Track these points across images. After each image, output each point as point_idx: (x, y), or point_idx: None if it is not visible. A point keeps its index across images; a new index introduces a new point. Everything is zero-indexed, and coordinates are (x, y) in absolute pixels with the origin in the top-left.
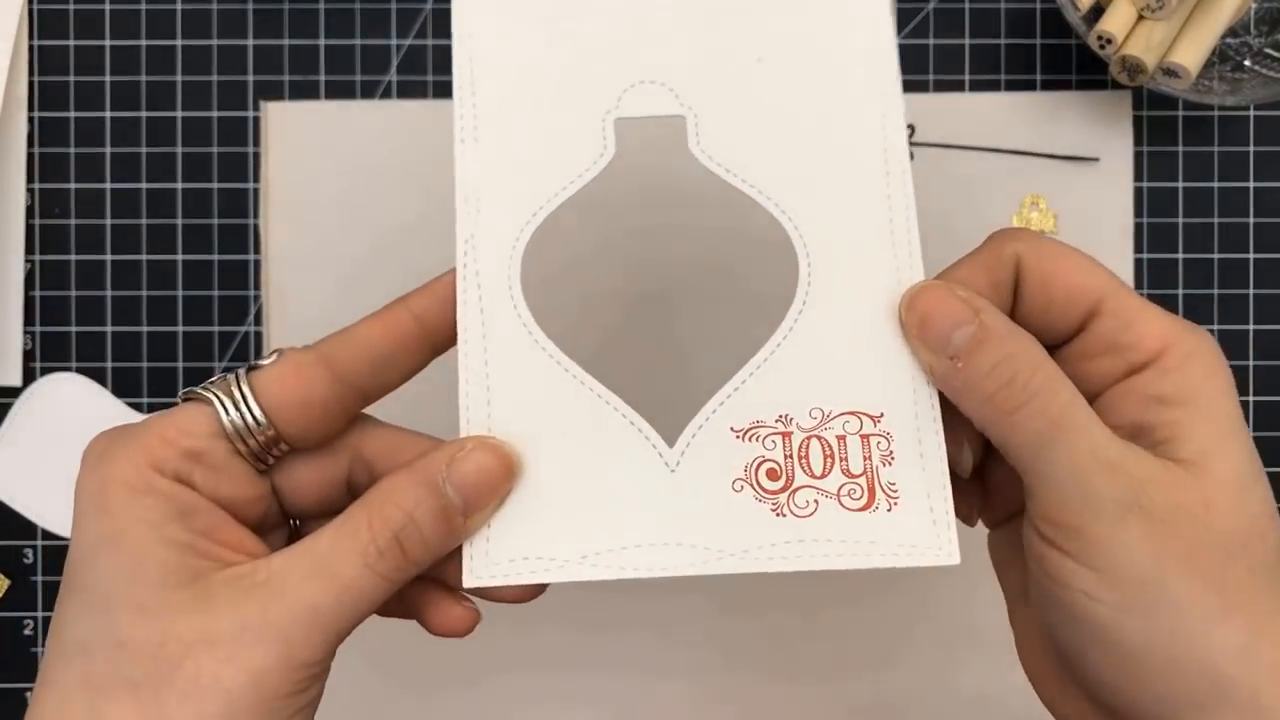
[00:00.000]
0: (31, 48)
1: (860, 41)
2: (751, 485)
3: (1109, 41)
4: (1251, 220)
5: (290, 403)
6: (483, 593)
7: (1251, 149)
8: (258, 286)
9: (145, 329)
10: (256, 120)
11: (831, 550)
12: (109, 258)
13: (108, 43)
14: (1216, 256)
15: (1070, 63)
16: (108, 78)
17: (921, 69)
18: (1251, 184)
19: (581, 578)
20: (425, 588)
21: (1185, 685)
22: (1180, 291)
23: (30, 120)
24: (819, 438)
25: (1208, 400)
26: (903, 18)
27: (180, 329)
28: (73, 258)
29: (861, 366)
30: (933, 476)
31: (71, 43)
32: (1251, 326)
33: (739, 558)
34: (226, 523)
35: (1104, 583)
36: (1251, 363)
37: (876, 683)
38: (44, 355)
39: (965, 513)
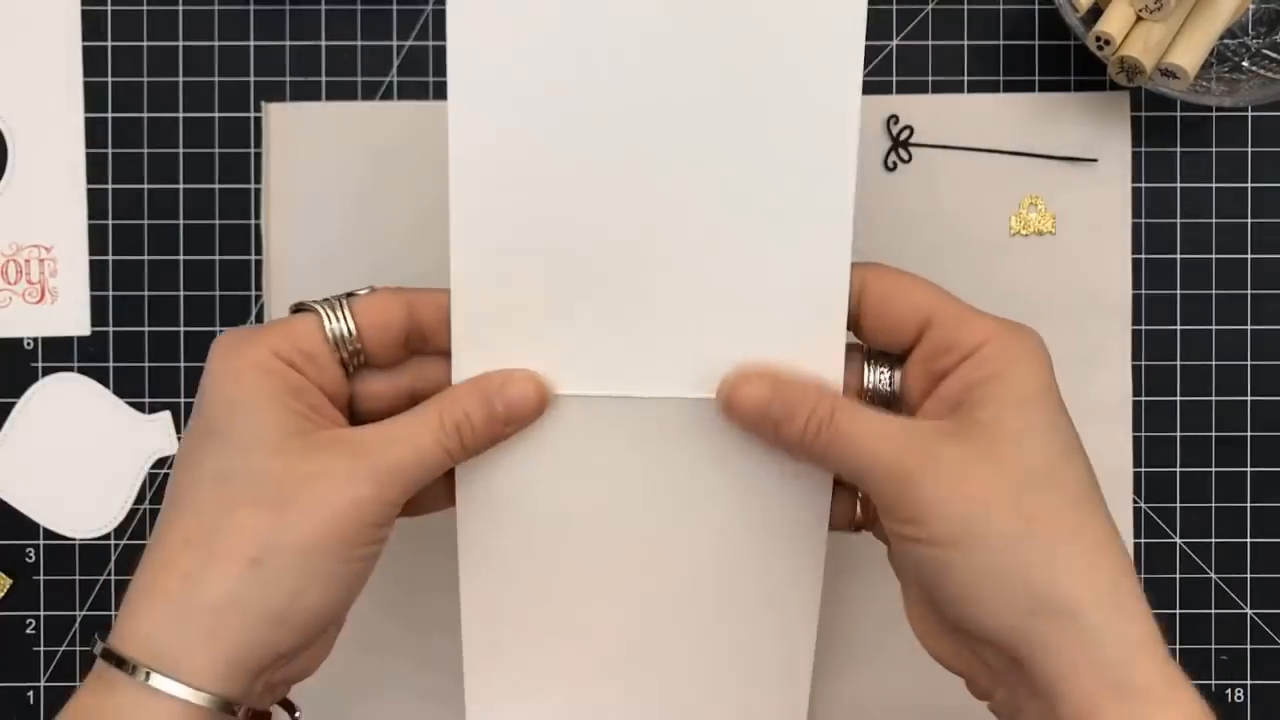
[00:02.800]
0: None
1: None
2: None
3: (1107, 42)
4: (1249, 221)
5: (374, 324)
6: None
7: (1249, 150)
8: (259, 287)
9: (146, 329)
10: (258, 121)
11: None
12: (110, 258)
13: (109, 44)
14: (1214, 257)
15: (1069, 64)
16: (109, 79)
17: (920, 70)
18: (1249, 184)
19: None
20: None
21: (1008, 597)
22: (1178, 292)
23: None
24: None
25: (1013, 376)
26: (901, 19)
27: (182, 329)
28: None
29: None
30: None
31: None
32: (1249, 327)
33: None
34: (325, 404)
35: (920, 530)
36: (1249, 363)
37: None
38: (45, 355)
39: (846, 524)
